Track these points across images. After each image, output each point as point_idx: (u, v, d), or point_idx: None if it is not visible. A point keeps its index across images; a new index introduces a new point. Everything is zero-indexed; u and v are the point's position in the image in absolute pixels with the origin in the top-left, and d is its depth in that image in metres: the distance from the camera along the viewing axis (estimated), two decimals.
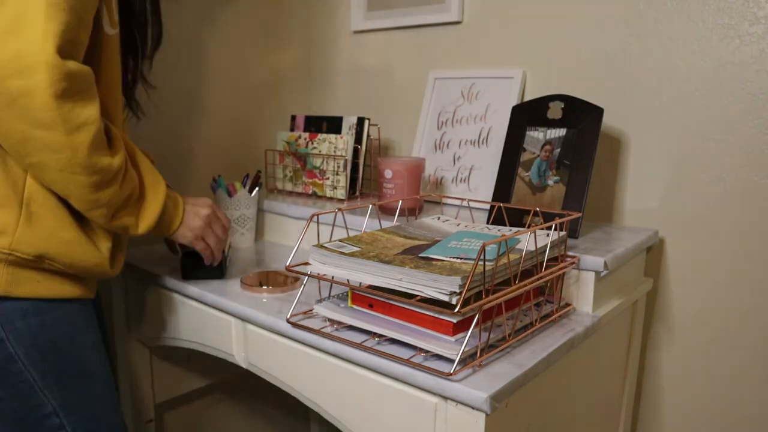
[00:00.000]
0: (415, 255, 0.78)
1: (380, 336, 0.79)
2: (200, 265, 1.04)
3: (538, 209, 0.99)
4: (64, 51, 0.71)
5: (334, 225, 0.98)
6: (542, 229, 0.87)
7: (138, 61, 1.02)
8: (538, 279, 0.80)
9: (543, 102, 1.08)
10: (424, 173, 1.23)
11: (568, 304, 0.92)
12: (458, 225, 0.98)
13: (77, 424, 0.87)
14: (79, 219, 0.85)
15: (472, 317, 0.73)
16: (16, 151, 0.74)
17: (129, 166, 0.84)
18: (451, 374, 0.69)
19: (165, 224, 0.92)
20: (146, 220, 0.88)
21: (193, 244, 0.98)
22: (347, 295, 0.86)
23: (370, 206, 0.98)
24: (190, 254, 1.04)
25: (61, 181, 0.77)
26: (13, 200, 0.79)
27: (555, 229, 0.87)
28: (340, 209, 0.92)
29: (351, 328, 0.83)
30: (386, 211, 1.17)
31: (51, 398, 0.85)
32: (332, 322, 0.84)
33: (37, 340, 0.83)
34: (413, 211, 1.16)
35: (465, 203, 1.20)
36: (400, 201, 1.09)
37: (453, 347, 0.72)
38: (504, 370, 0.71)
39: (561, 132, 1.05)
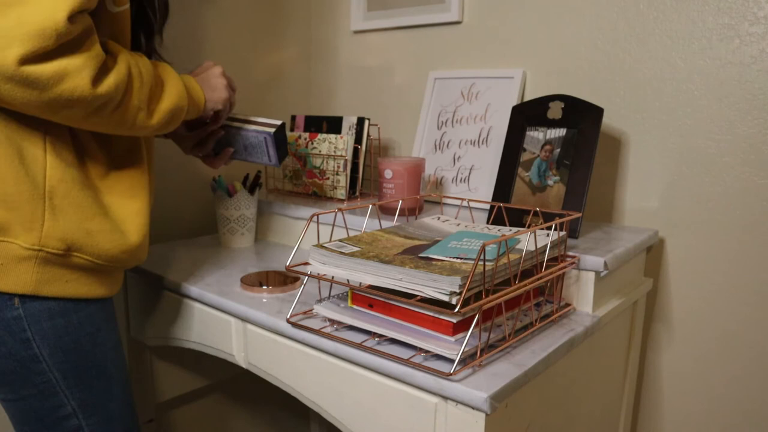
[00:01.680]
0: (415, 255, 0.78)
1: (380, 336, 0.79)
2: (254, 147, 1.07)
3: (538, 209, 0.99)
4: (74, 18, 0.69)
5: (334, 225, 0.98)
6: (542, 229, 0.87)
7: (150, 37, 1.01)
8: (538, 279, 0.80)
9: (543, 102, 1.08)
10: (424, 173, 1.23)
11: (568, 304, 0.92)
12: (458, 225, 0.98)
13: (95, 426, 0.87)
14: (105, 207, 0.84)
15: (472, 317, 0.73)
16: (48, 117, 0.74)
17: (137, 62, 0.81)
18: (451, 374, 0.69)
19: (194, 97, 0.92)
20: (178, 92, 0.87)
21: (223, 105, 0.99)
22: (347, 295, 0.86)
23: (370, 206, 0.98)
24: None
25: (95, 125, 0.77)
26: (35, 195, 0.78)
27: (555, 229, 0.87)
28: (340, 209, 0.92)
29: (351, 328, 0.83)
30: (386, 211, 1.17)
31: (71, 399, 0.85)
32: (332, 322, 0.84)
33: (62, 341, 0.83)
34: (413, 211, 1.16)
35: (465, 203, 1.20)
36: (400, 201, 1.09)
37: (453, 347, 0.72)
38: (504, 370, 0.71)
39: (561, 132, 1.05)
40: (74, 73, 0.71)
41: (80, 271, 0.83)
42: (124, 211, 0.87)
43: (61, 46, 0.70)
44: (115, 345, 0.91)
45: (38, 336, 0.81)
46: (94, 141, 0.84)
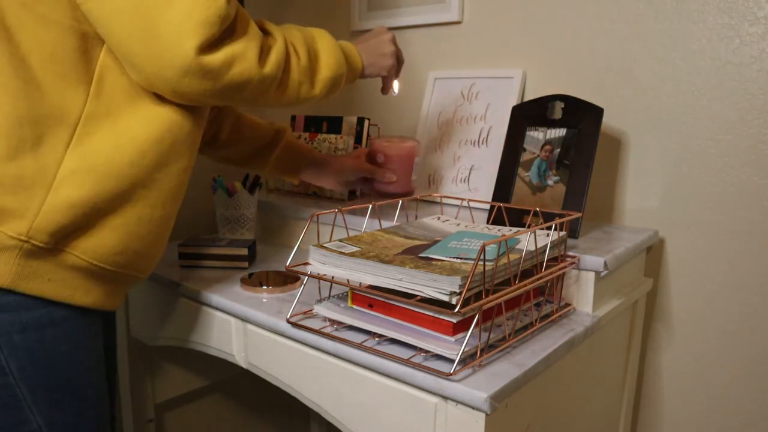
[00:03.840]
0: (415, 255, 0.78)
1: (380, 336, 0.79)
2: None
3: (538, 209, 0.99)
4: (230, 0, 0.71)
5: (334, 225, 0.98)
6: (542, 229, 0.87)
7: None
8: (538, 279, 0.80)
9: (543, 102, 1.08)
10: (418, 157, 1.23)
11: (568, 304, 0.92)
12: (458, 225, 0.98)
13: None
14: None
15: (472, 317, 0.73)
16: (220, 104, 0.78)
17: (290, 36, 0.84)
18: (451, 374, 0.69)
19: (352, 63, 0.94)
20: (336, 60, 0.89)
21: (387, 72, 1.04)
22: (347, 295, 0.86)
23: (370, 206, 0.98)
24: None
25: (264, 104, 0.80)
26: (40, 184, 0.72)
27: (555, 229, 0.87)
28: (340, 209, 0.92)
29: (351, 328, 0.83)
30: (382, 195, 1.19)
31: (37, 416, 0.79)
32: (332, 322, 0.84)
33: (33, 356, 0.76)
34: (406, 195, 1.17)
35: (465, 203, 1.20)
36: (400, 202, 1.09)
37: (453, 347, 0.72)
38: (504, 370, 0.71)
39: (561, 132, 1.05)
40: (240, 56, 0.73)
41: (68, 272, 0.76)
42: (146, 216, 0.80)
43: (225, 31, 0.71)
44: (95, 364, 0.84)
45: (7, 348, 0.75)
46: (142, 133, 0.77)
